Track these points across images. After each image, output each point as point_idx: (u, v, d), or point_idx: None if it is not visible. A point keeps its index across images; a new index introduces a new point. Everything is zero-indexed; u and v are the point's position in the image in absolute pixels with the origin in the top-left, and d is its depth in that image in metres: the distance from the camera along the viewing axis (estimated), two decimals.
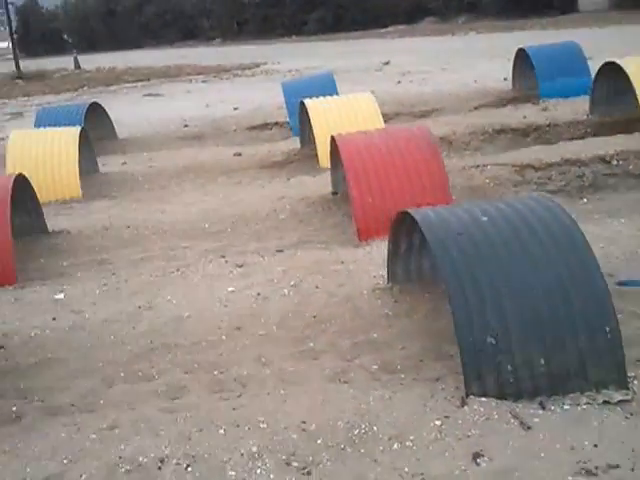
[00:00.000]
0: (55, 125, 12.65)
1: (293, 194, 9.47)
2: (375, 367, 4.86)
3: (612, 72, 12.44)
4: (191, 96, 24.33)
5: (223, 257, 7.41)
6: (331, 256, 7.02)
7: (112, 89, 32.12)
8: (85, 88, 33.89)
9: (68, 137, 10.44)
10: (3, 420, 4.66)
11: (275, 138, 15.22)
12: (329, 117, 10.51)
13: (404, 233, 5.69)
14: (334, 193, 9.09)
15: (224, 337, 5.56)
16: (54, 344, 5.67)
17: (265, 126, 16.36)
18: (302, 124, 12.04)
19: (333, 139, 8.19)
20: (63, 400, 4.89)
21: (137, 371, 5.22)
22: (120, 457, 3.97)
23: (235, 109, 19.00)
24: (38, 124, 13.95)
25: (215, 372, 5.09)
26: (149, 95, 25.27)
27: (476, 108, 15.95)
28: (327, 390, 4.55)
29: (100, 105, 15.63)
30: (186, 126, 16.84)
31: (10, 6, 56.51)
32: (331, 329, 5.51)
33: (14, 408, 4.81)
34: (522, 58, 16.72)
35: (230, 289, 6.36)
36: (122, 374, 5.18)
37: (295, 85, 14.84)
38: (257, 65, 35.38)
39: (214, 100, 21.68)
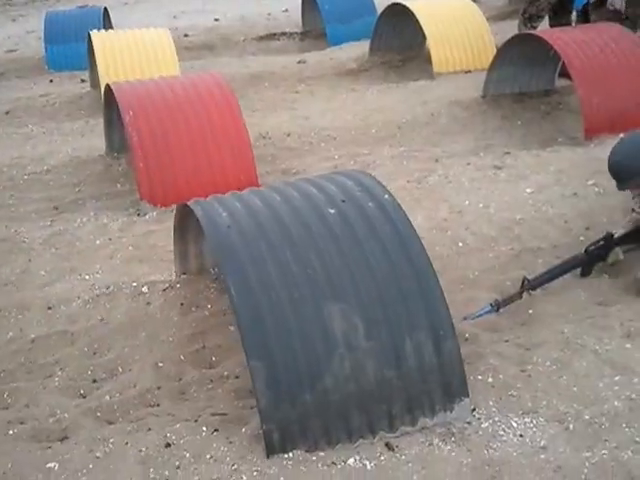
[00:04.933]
0: None
1: (433, 99, 8.98)
2: None
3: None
4: (133, 8, 22.69)
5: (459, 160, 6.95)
6: (578, 155, 6.69)
7: None
8: None
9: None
10: None
11: (291, 49, 14.45)
12: (437, 21, 10.03)
13: None
14: (483, 96, 8.69)
15: (582, 238, 5.20)
16: None
17: (272, 36, 15.48)
18: (377, 31, 11.39)
19: (530, 36, 7.80)
20: None
21: None
22: None
23: (216, 20, 17.87)
24: None
25: None
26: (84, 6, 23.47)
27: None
28: None
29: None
30: (186, 35, 15.58)
31: None
32: None
33: None
34: None
35: (528, 190, 5.95)
36: None
37: None
38: None
39: (175, 12, 20.30)
